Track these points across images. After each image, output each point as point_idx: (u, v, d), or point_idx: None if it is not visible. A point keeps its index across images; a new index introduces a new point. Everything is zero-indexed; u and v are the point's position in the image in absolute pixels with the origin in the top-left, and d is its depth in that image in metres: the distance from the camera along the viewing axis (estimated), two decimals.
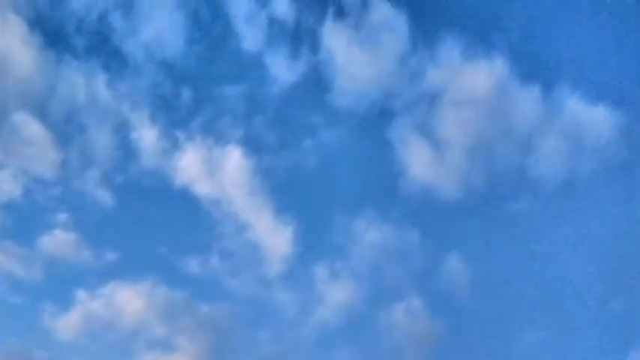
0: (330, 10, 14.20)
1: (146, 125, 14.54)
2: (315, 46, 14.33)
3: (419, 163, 14.05)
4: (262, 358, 13.77)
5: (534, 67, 13.82)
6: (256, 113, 14.47)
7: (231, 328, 14.06)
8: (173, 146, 14.52)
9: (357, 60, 14.19)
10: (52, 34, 14.58)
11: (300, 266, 14.17)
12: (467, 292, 13.68)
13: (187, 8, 14.51)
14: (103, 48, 14.62)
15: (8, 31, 14.35)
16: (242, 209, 14.37)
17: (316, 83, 14.34)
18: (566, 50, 13.62)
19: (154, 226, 14.56)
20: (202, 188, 14.43)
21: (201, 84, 14.60)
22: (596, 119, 13.57)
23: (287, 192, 14.38)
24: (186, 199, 14.43)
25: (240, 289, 14.24)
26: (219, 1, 14.47)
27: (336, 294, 13.96)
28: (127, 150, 14.60)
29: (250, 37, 14.41)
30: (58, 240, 14.31)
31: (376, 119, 14.23)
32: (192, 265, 14.32)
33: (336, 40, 14.21)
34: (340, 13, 14.19)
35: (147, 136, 14.52)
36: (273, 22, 14.40)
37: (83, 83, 14.52)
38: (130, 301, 14.23)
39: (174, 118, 14.60)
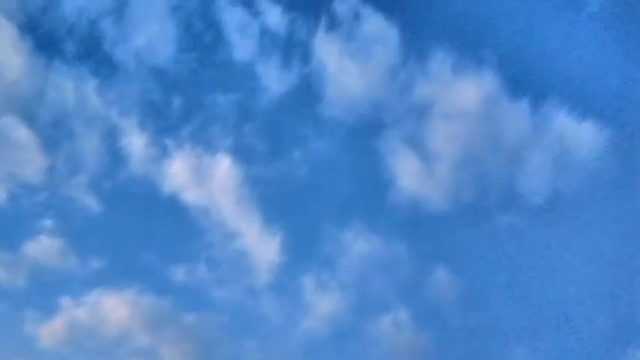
0: (322, 22, 14.32)
1: (135, 132, 14.52)
2: (306, 56, 14.42)
3: (408, 175, 14.11)
4: None
5: (523, 82, 13.95)
6: (246, 122, 14.50)
7: (217, 338, 13.99)
8: (162, 154, 14.51)
9: (348, 71, 14.28)
10: (43, 38, 14.57)
11: (288, 276, 14.17)
12: (454, 305, 13.71)
13: (179, 16, 14.58)
14: (93, 54, 14.62)
15: None
16: (230, 218, 14.36)
17: (307, 94, 14.41)
18: (556, 65, 13.76)
19: (141, 233, 14.50)
20: (191, 196, 14.41)
21: (192, 92, 14.62)
22: (585, 135, 13.69)
23: (276, 201, 14.41)
24: (174, 206, 14.40)
25: (227, 298, 14.20)
26: (211, 10, 14.54)
27: (323, 304, 13.96)
28: (115, 156, 14.56)
29: (242, 47, 14.48)
30: (43, 246, 14.20)
31: (366, 130, 14.30)
32: (179, 274, 14.27)
33: (328, 52, 14.30)
34: (332, 25, 14.30)
35: (136, 142, 14.49)
36: (265, 32, 14.48)
37: (72, 88, 14.48)
38: (114, 309, 14.13)
39: (163, 126, 14.60)
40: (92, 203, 14.42)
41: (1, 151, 14.25)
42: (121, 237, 14.46)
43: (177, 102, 14.54)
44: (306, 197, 14.36)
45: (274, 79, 14.39)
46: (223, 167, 14.37)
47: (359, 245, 14.07)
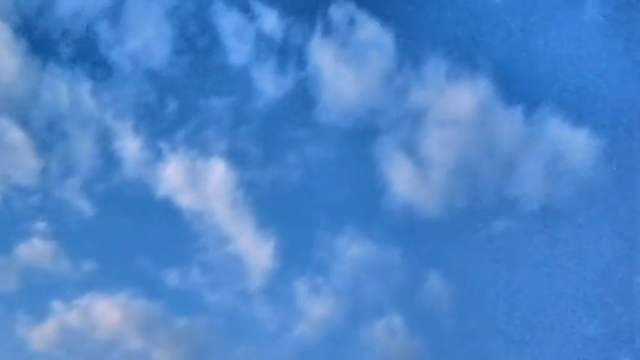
0: (318, 27, 14.34)
1: (129, 135, 14.48)
2: (302, 61, 14.43)
3: (402, 180, 14.13)
4: None
5: (518, 89, 14.03)
6: (241, 126, 14.50)
7: (210, 343, 13.93)
8: (156, 157, 14.48)
9: (343, 77, 14.30)
10: (38, 40, 14.54)
11: (281, 281, 14.13)
12: (447, 311, 13.72)
13: (175, 20, 14.58)
14: (88, 56, 14.60)
15: None
16: (224, 222, 14.31)
17: (302, 98, 14.42)
18: (550, 73, 13.85)
19: (134, 237, 14.45)
20: (184, 200, 14.37)
21: (187, 95, 14.61)
22: (578, 142, 13.76)
23: (270, 206, 14.38)
24: (167, 210, 14.37)
25: (220, 302, 14.16)
26: (207, 15, 14.54)
27: (317, 310, 13.94)
28: (109, 159, 14.51)
29: (237, 51, 14.48)
30: (36, 249, 14.11)
31: (361, 136, 14.32)
32: (172, 278, 14.21)
33: (323, 57, 14.32)
34: (328, 30, 14.33)
35: (130, 145, 14.45)
36: (261, 37, 14.50)
37: (67, 91, 14.44)
38: (106, 312, 14.05)
39: (158, 129, 14.57)
40: (85, 206, 14.39)
41: None
42: (114, 240, 14.43)
43: (172, 105, 14.56)
44: (301, 202, 14.37)
45: (269, 84, 14.41)
46: (217, 171, 14.36)
47: (353, 250, 14.09)
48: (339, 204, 14.25)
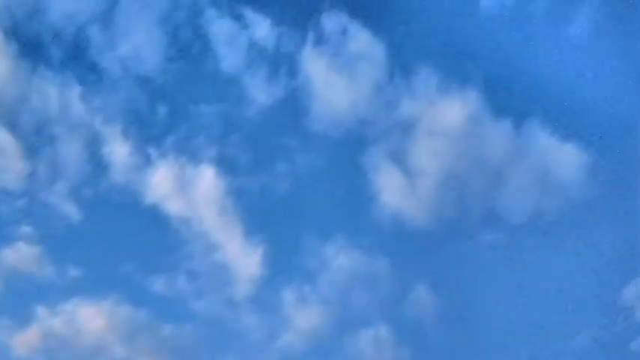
0: (310, 36, 14.40)
1: (118, 140, 14.41)
2: (293, 70, 14.47)
3: (391, 190, 14.17)
4: None
5: (507, 102, 14.15)
6: (231, 134, 14.48)
7: (195, 351, 13.83)
8: (145, 162, 14.41)
9: (334, 86, 14.35)
10: (28, 44, 14.46)
11: (268, 289, 14.09)
12: (434, 322, 13.74)
13: (168, 26, 14.56)
14: (79, 60, 14.53)
15: None
16: (212, 229, 14.26)
17: (293, 107, 14.45)
18: (539, 87, 13.98)
19: (121, 243, 14.34)
20: (173, 206, 14.30)
21: (177, 101, 14.58)
22: (566, 156, 13.88)
23: (258, 214, 14.36)
24: (155, 216, 14.28)
25: (206, 310, 14.08)
26: (200, 22, 14.56)
27: (304, 319, 13.89)
28: (97, 164, 14.43)
29: (229, 58, 14.50)
30: (21, 253, 13.97)
31: (351, 145, 14.35)
32: (158, 285, 14.12)
33: (315, 66, 14.38)
34: (320, 40, 14.40)
35: (118, 151, 14.37)
36: (253, 45, 14.52)
37: (56, 95, 14.36)
38: (91, 319, 13.92)
39: (147, 135, 14.51)
40: (72, 211, 14.27)
41: None
42: (100, 246, 14.31)
43: (162, 111, 14.52)
44: (289, 210, 14.36)
45: (260, 92, 14.43)
46: (207, 178, 14.31)
47: (341, 260, 14.08)
48: (327, 213, 14.27)
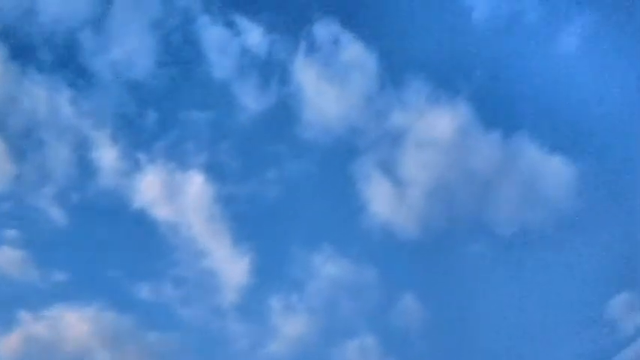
0: (302, 45, 14.47)
1: (107, 144, 14.34)
2: (284, 78, 14.51)
3: (380, 200, 14.19)
4: None
5: (496, 114, 14.25)
6: (221, 140, 14.46)
7: (181, 358, 13.68)
8: (133, 168, 14.33)
9: (325, 95, 14.40)
10: (18, 46, 14.39)
11: (255, 298, 14.00)
12: (420, 333, 13.71)
13: (160, 31, 14.57)
14: (69, 64, 14.48)
15: None
16: (200, 236, 14.19)
17: (284, 115, 14.47)
18: (527, 99, 14.13)
19: (107, 248, 14.17)
20: (160, 212, 14.22)
21: (168, 107, 14.55)
22: (553, 169, 14.00)
23: (247, 221, 14.29)
24: (142, 222, 14.17)
25: (192, 318, 13.95)
26: (192, 28, 14.59)
27: (290, 328, 13.81)
28: (85, 169, 14.33)
29: (221, 65, 14.52)
30: (5, 257, 13.78)
31: (341, 154, 14.38)
32: (144, 291, 13.99)
33: (306, 75, 14.43)
34: (312, 49, 14.46)
35: (107, 155, 14.29)
36: (245, 52, 14.55)
37: (46, 98, 14.28)
38: (75, 325, 13.73)
39: (136, 140, 14.44)
40: (58, 215, 14.12)
41: None
42: (86, 251, 14.15)
43: (152, 116, 14.47)
44: (278, 218, 14.31)
45: (251, 99, 14.45)
46: (195, 184, 14.26)
47: (328, 269, 14.04)
48: (316, 221, 14.25)
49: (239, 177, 14.37)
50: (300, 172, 14.39)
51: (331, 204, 14.31)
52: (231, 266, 14.08)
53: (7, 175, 14.02)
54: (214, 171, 14.32)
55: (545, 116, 14.00)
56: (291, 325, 13.80)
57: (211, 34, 14.52)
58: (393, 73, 14.40)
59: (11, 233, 13.91)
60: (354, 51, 14.40)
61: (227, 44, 14.51)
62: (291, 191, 14.36)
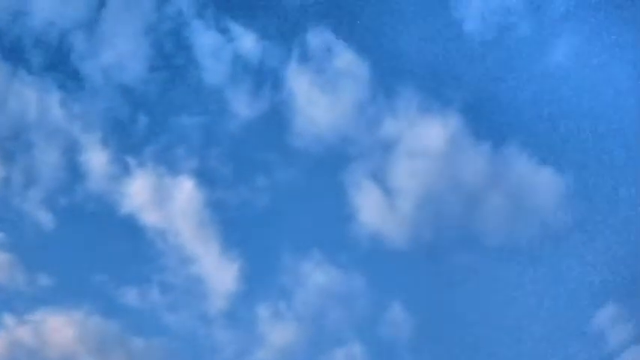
0: (295, 53, 14.47)
1: (97, 148, 14.24)
2: (277, 85, 14.50)
3: (370, 209, 14.19)
4: None
5: (486, 125, 14.32)
6: (212, 146, 14.41)
7: None
8: (123, 172, 14.25)
9: (317, 103, 14.41)
10: (9, 47, 14.33)
11: (243, 305, 13.95)
12: (408, 342, 13.72)
13: (152, 35, 14.52)
14: (60, 66, 14.39)
15: None
16: (188, 242, 14.11)
17: (275, 122, 14.45)
18: (518, 111, 14.21)
19: (94, 252, 14.07)
20: (149, 217, 14.13)
21: (159, 112, 14.49)
22: (542, 181, 14.07)
23: (236, 228, 14.23)
24: (131, 227, 14.08)
25: (179, 324, 13.87)
26: (185, 33, 14.56)
27: (278, 335, 13.76)
28: (73, 172, 14.23)
29: (213, 71, 14.48)
30: None
31: (331, 162, 14.37)
32: (130, 297, 13.88)
33: (299, 82, 14.44)
34: (305, 57, 14.47)
35: (96, 159, 14.19)
36: (237, 58, 14.53)
37: (35, 100, 14.18)
38: (60, 329, 13.60)
39: (126, 144, 14.36)
40: (46, 218, 14.02)
41: None
42: (73, 255, 14.05)
43: (142, 121, 14.40)
44: (267, 225, 14.26)
45: (243, 105, 14.41)
46: (185, 189, 14.19)
47: (317, 277, 14.01)
48: (305, 229, 14.22)
49: (229, 183, 14.36)
50: (290, 179, 14.40)
51: (321, 212, 14.31)
52: (219, 273, 14.03)
53: None
54: (204, 177, 14.30)
55: (535, 128, 14.10)
56: (278, 333, 13.77)
57: (204, 40, 14.53)
58: (385, 82, 14.45)
59: None
60: (347, 59, 14.44)
61: (220, 50, 14.51)
62: (281, 198, 14.35)
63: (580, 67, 13.90)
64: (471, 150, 14.26)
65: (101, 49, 14.35)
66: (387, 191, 14.23)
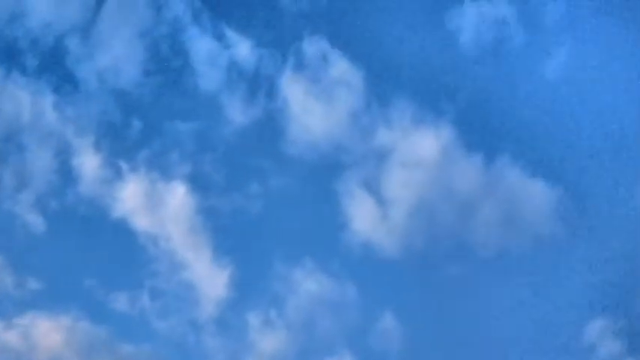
0: (291, 61, 14.53)
1: (90, 152, 14.17)
2: (272, 93, 14.53)
3: (362, 218, 14.19)
4: None
5: (479, 137, 14.39)
6: (206, 152, 14.39)
7: None
8: (115, 176, 14.18)
9: (311, 112, 14.44)
10: (4, 49, 14.29)
11: (234, 312, 13.87)
12: (399, 352, 13.67)
13: (148, 41, 14.54)
14: (55, 69, 14.37)
15: None
16: (180, 248, 14.04)
17: (269, 129, 14.47)
18: (511, 123, 14.30)
19: (84, 257, 13.95)
20: (141, 222, 14.05)
21: (153, 116, 14.46)
22: (534, 193, 14.13)
23: (228, 234, 14.18)
24: (122, 231, 14.01)
25: (169, 330, 13.76)
26: (181, 37, 14.59)
27: (268, 343, 13.68)
28: (65, 175, 14.15)
29: (208, 77, 14.50)
30: None
31: (325, 171, 14.38)
32: (120, 302, 13.77)
33: (293, 90, 14.47)
34: (300, 65, 14.53)
35: (89, 163, 14.13)
36: (233, 65, 14.57)
37: (29, 102, 14.15)
38: (48, 334, 13.46)
39: (119, 148, 14.31)
40: (37, 222, 13.92)
41: None
42: (64, 259, 13.92)
43: (136, 125, 14.37)
44: (260, 232, 14.23)
45: (238, 112, 14.43)
46: (178, 195, 14.14)
47: (308, 285, 13.96)
48: (298, 237, 14.18)
49: (222, 189, 14.32)
50: (283, 186, 14.39)
51: (314, 220, 14.30)
52: (210, 279, 13.95)
53: None
54: (197, 182, 14.25)
55: (528, 140, 14.19)
56: (268, 340, 13.69)
57: (200, 46, 14.56)
58: (379, 91, 14.52)
59: None
60: (341, 68, 14.51)
61: (215, 56, 14.54)
62: (274, 206, 14.33)
63: (573, 79, 14.08)
64: (464, 161, 14.33)
65: (96, 52, 14.39)
66: (380, 200, 14.26)
